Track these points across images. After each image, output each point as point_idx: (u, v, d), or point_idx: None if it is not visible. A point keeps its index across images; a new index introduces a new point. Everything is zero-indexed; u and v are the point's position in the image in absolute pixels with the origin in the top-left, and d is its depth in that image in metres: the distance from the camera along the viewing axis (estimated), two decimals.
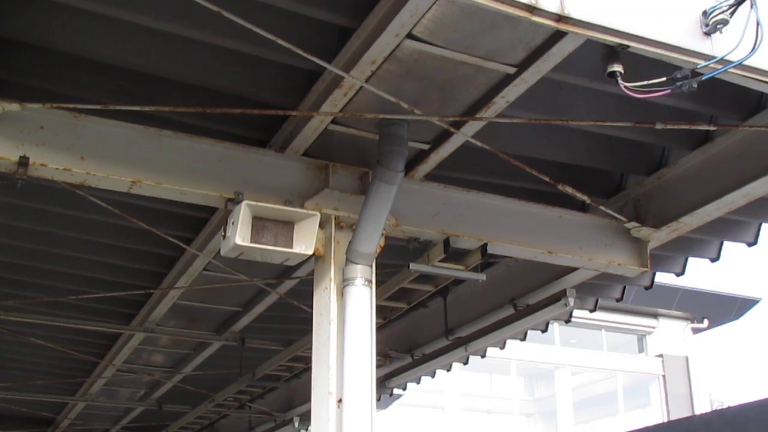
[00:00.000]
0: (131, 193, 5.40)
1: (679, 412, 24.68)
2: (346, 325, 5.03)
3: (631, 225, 6.60)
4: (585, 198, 6.29)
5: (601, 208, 6.48)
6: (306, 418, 11.70)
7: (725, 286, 27.81)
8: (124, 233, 7.37)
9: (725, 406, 18.45)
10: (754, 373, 69.72)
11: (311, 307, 5.42)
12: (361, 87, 4.87)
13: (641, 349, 29.65)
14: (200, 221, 7.06)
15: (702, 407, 27.50)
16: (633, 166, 6.77)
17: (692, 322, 29.22)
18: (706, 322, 29.28)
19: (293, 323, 9.34)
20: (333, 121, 5.39)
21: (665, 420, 24.39)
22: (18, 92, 5.09)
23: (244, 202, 5.08)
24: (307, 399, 5.27)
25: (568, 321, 8.86)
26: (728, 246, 7.78)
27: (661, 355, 28.80)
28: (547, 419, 29.98)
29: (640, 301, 27.00)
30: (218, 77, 5.39)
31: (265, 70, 5.35)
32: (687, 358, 29.00)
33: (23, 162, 4.92)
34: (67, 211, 7.00)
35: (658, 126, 5.29)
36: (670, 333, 29.10)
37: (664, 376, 28.63)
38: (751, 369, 71.04)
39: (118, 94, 5.43)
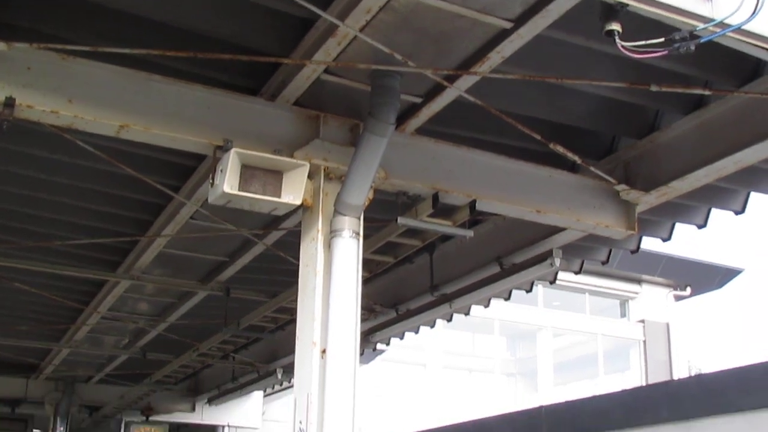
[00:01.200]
0: (119, 139, 5.33)
1: (658, 378, 24.88)
2: (333, 276, 4.99)
3: (620, 187, 6.57)
4: (576, 158, 6.25)
5: (592, 169, 6.44)
6: (289, 370, 11.74)
7: (709, 255, 27.91)
8: (112, 180, 7.29)
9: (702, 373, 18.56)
10: (734, 343, 70.37)
11: (297, 259, 5.38)
12: (356, 36, 4.79)
13: (623, 314, 29.80)
14: (188, 169, 6.99)
15: (681, 374, 27.73)
16: (625, 128, 6.72)
17: (675, 289, 29.34)
18: (688, 289, 29.41)
19: (279, 275, 9.32)
20: (325, 71, 5.32)
21: (644, 384, 24.59)
22: (5, 32, 4.98)
23: (233, 150, 5.01)
24: (291, 351, 5.25)
25: (552, 282, 8.85)
26: (715, 214, 7.77)
27: (642, 321, 28.96)
28: (527, 379, 30.20)
29: (624, 266, 27.05)
30: (210, 23, 5.29)
31: (258, 16, 5.26)
32: (668, 325, 29.16)
33: (9, 103, 4.83)
34: (54, 155, 6.91)
35: (653, 88, 5.24)
36: (652, 299, 29.23)
37: (644, 341, 28.81)
38: (730, 338, 71.69)
39: (107, 36, 5.33)
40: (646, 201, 6.67)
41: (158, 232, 8.00)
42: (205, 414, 17.17)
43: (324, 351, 4.89)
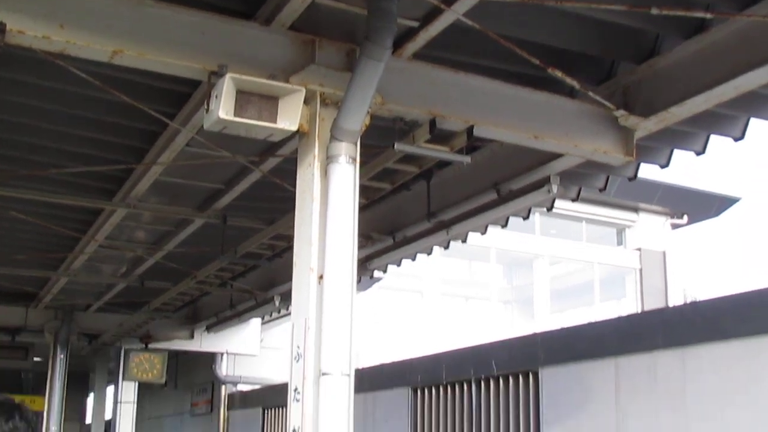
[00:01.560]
0: (113, 65, 5.26)
1: (654, 305, 25.09)
2: (329, 202, 4.98)
3: (619, 113, 6.52)
4: (574, 83, 6.19)
5: (590, 94, 6.39)
6: (287, 297, 11.81)
7: (706, 183, 27.87)
8: (106, 107, 7.23)
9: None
10: (730, 271, 70.81)
11: (294, 185, 5.36)
12: None
13: (620, 242, 29.94)
14: (183, 96, 6.94)
15: (676, 302, 27.96)
16: (624, 53, 6.65)
17: (672, 217, 29.43)
18: (685, 218, 29.50)
19: (276, 202, 9.32)
20: None
21: (639, 311, 24.83)
22: None
23: (228, 75, 4.96)
24: (289, 278, 5.26)
25: (550, 209, 8.85)
26: (714, 141, 7.73)
27: (639, 249, 29.10)
28: (524, 307, 30.47)
29: (621, 194, 27.10)
30: None
31: None
32: (664, 253, 29.32)
33: (0, 29, 4.76)
34: (47, 82, 6.84)
35: (654, 11, 5.17)
36: (649, 227, 29.34)
37: (640, 269, 28.99)
38: (727, 267, 72.13)
39: None
40: (644, 127, 6.62)
41: (154, 159, 7.97)
42: (203, 341, 17.36)
43: (321, 277, 4.90)
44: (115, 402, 19.29)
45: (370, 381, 13.85)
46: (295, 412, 4.83)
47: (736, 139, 7.52)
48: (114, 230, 10.17)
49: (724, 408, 8.02)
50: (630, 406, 9.05)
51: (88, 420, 25.32)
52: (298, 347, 4.90)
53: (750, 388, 7.84)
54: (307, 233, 5.08)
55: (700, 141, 7.65)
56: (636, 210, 29.15)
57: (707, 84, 6.07)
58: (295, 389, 4.85)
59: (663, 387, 8.66)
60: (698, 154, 7.77)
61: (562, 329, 10.62)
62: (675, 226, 29.79)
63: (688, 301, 25.67)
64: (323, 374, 4.58)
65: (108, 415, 23.21)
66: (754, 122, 7.46)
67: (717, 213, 29.26)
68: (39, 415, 12.09)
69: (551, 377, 10.18)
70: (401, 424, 12.79)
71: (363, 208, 8.26)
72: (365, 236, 9.61)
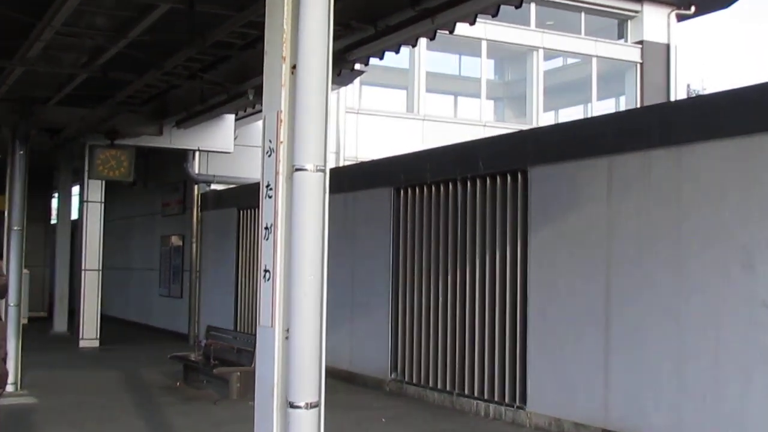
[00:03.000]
0: None
1: (655, 102, 25.12)
2: None
3: None
4: None
5: None
6: (261, 91, 11.74)
7: None
8: None
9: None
10: (738, 67, 70.52)
11: None
12: None
13: (621, 35, 29.63)
14: None
15: (679, 98, 27.99)
16: None
17: (678, 8, 29.00)
18: (692, 8, 29.07)
19: None
20: None
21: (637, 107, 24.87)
22: None
23: None
24: (262, 70, 5.22)
25: None
26: None
27: (641, 42, 28.83)
28: (515, 104, 30.45)
29: None
30: None
31: None
32: (668, 47, 29.08)
33: None
34: None
35: None
36: (653, 19, 28.95)
37: (641, 63, 28.84)
38: (735, 62, 71.77)
39: None
40: None
41: None
42: (173, 138, 17.39)
43: (294, 67, 4.85)
44: (81, 201, 19.53)
45: (350, 180, 14.05)
46: (267, 209, 4.91)
47: None
48: (71, 16, 9.95)
49: (718, 206, 8.21)
50: (622, 204, 9.26)
51: (54, 220, 25.69)
52: (270, 141, 4.92)
53: (745, 187, 8.01)
54: (278, 19, 5.00)
55: None
56: (639, 0, 28.71)
57: None
58: (267, 185, 4.91)
59: (657, 185, 8.82)
60: None
61: (554, 126, 10.73)
62: (681, 18, 29.41)
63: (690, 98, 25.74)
64: (296, 169, 4.61)
65: (74, 215, 23.55)
66: None
67: (727, 4, 28.83)
68: None
69: (541, 176, 10.35)
70: (382, 225, 13.07)
71: None
72: (344, 24, 9.46)
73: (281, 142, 4.83)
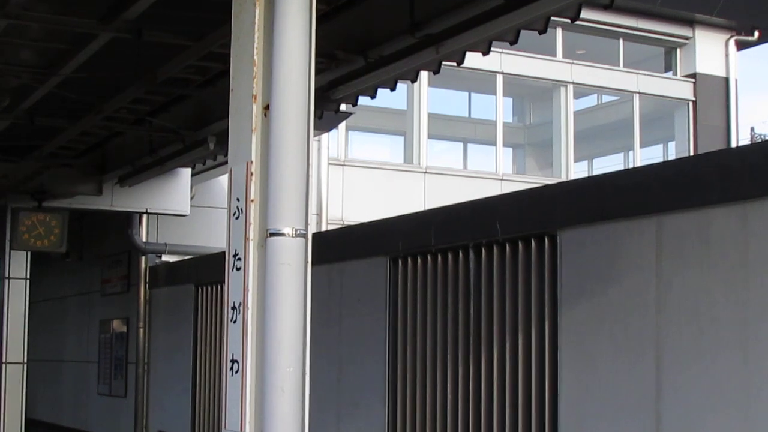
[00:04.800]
0: None
1: (711, 148, 25.30)
2: (276, 7, 4.93)
3: None
4: None
5: None
6: (223, 138, 11.80)
7: None
8: None
9: None
10: None
11: None
12: None
13: (669, 67, 29.93)
14: None
15: (740, 143, 28.19)
16: None
17: (738, 33, 29.33)
18: (756, 33, 29.41)
19: (206, 9, 9.21)
20: None
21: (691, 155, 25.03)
22: None
23: None
24: (225, 113, 5.27)
25: (574, 19, 8.79)
26: None
27: (693, 75, 29.12)
28: (539, 152, 30.62)
29: (673, 3, 26.93)
30: None
31: None
32: (726, 80, 29.35)
33: None
34: None
35: None
36: (707, 47, 29.28)
37: (694, 101, 29.09)
38: None
39: None
40: None
41: None
42: (115, 198, 17.43)
43: (267, 108, 4.91)
44: (2, 278, 19.49)
45: (337, 248, 14.04)
46: (235, 285, 4.92)
47: None
48: None
49: None
50: (675, 277, 9.25)
51: None
52: (238, 200, 4.94)
53: None
54: (247, 49, 5.06)
55: None
56: (691, 23, 29.04)
57: None
58: (235, 254, 4.93)
59: (718, 252, 8.83)
60: None
61: (588, 179, 10.79)
62: (742, 45, 29.73)
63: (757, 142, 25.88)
64: (271, 234, 4.64)
65: None
66: None
67: None
68: None
69: (573, 241, 10.35)
70: (376, 304, 13.04)
71: (323, 18, 8.19)
72: (327, 55, 9.55)
73: (252, 201, 4.85)
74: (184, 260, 19.60)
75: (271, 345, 4.57)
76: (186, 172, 17.80)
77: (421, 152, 25.80)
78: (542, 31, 8.98)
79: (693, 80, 29.09)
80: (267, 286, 4.67)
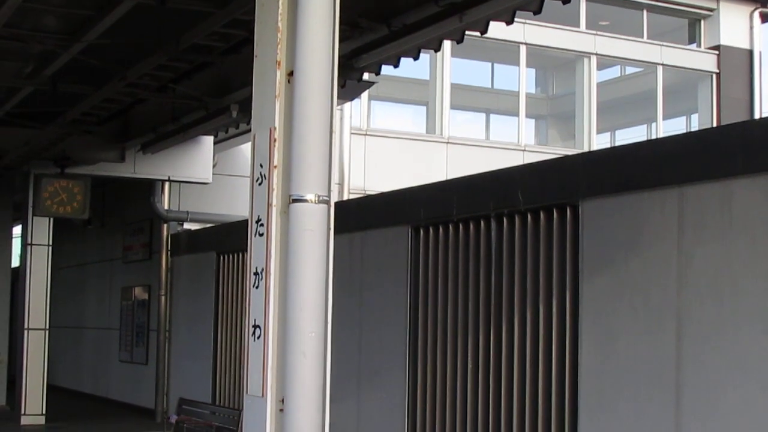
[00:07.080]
0: None
1: (734, 120, 25.17)
2: None
3: None
4: None
5: None
6: (247, 105, 11.80)
7: None
8: None
9: None
10: None
11: None
12: None
13: (692, 39, 29.74)
14: None
15: (764, 115, 28.03)
16: None
17: (763, 5, 29.12)
18: None
19: None
20: None
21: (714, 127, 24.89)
22: None
23: None
24: (248, 81, 5.26)
25: None
26: None
27: (717, 47, 28.94)
28: (562, 123, 30.51)
29: None
30: None
31: None
32: (750, 53, 29.18)
33: None
34: None
35: None
36: (732, 19, 29.08)
37: (718, 73, 28.92)
38: None
39: None
40: None
41: None
42: (138, 165, 17.45)
43: (291, 74, 4.89)
44: (24, 244, 19.55)
45: (358, 217, 14.05)
46: (257, 250, 4.92)
47: None
48: (15, 15, 10.06)
49: None
50: (697, 247, 9.23)
51: None
52: (261, 166, 4.94)
53: None
54: (272, 15, 5.04)
55: None
56: None
57: None
58: (258, 220, 4.93)
59: (740, 223, 8.80)
60: None
61: (610, 149, 10.74)
62: (766, 18, 29.51)
63: None
64: (294, 200, 4.63)
65: (15, 262, 23.57)
66: None
67: None
68: None
69: (595, 211, 10.32)
70: (397, 273, 13.05)
71: None
72: (351, 24, 9.52)
73: (275, 167, 4.84)
74: (205, 228, 19.62)
75: (293, 310, 4.57)
76: (208, 140, 17.80)
77: (444, 122, 25.73)
78: (566, 1, 8.94)
79: (717, 52, 28.90)
80: (289, 252, 4.66)
